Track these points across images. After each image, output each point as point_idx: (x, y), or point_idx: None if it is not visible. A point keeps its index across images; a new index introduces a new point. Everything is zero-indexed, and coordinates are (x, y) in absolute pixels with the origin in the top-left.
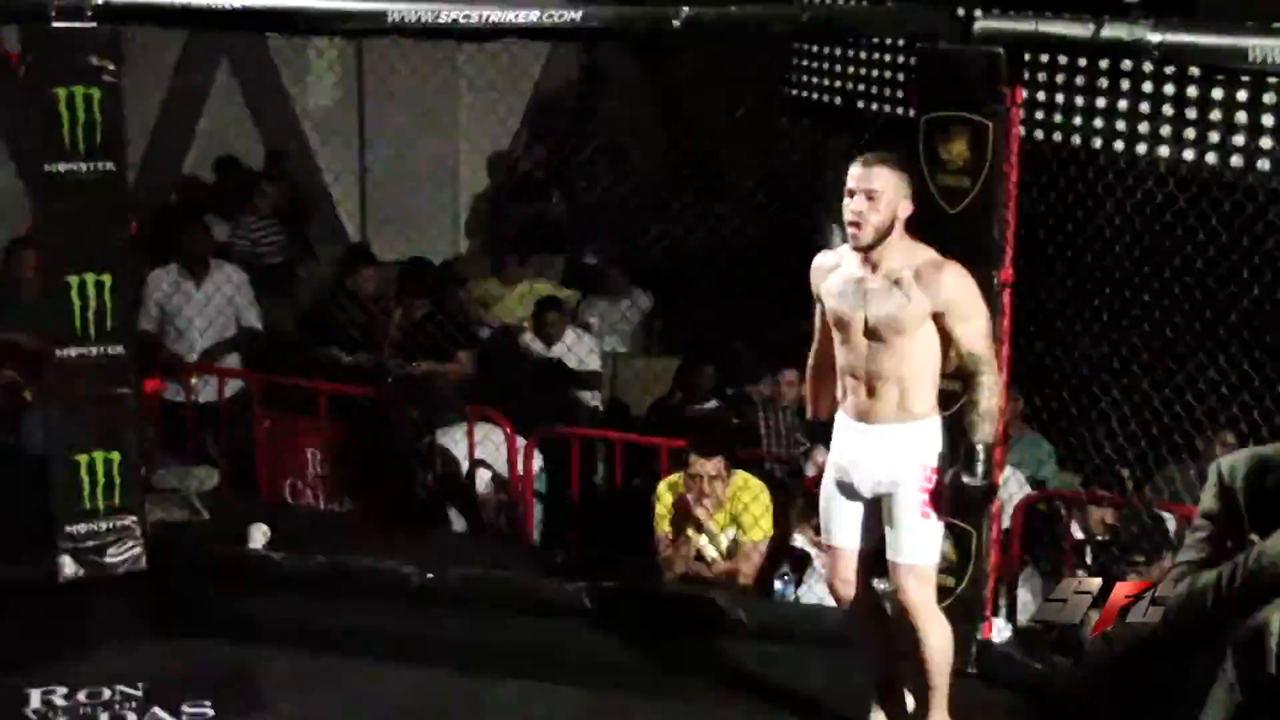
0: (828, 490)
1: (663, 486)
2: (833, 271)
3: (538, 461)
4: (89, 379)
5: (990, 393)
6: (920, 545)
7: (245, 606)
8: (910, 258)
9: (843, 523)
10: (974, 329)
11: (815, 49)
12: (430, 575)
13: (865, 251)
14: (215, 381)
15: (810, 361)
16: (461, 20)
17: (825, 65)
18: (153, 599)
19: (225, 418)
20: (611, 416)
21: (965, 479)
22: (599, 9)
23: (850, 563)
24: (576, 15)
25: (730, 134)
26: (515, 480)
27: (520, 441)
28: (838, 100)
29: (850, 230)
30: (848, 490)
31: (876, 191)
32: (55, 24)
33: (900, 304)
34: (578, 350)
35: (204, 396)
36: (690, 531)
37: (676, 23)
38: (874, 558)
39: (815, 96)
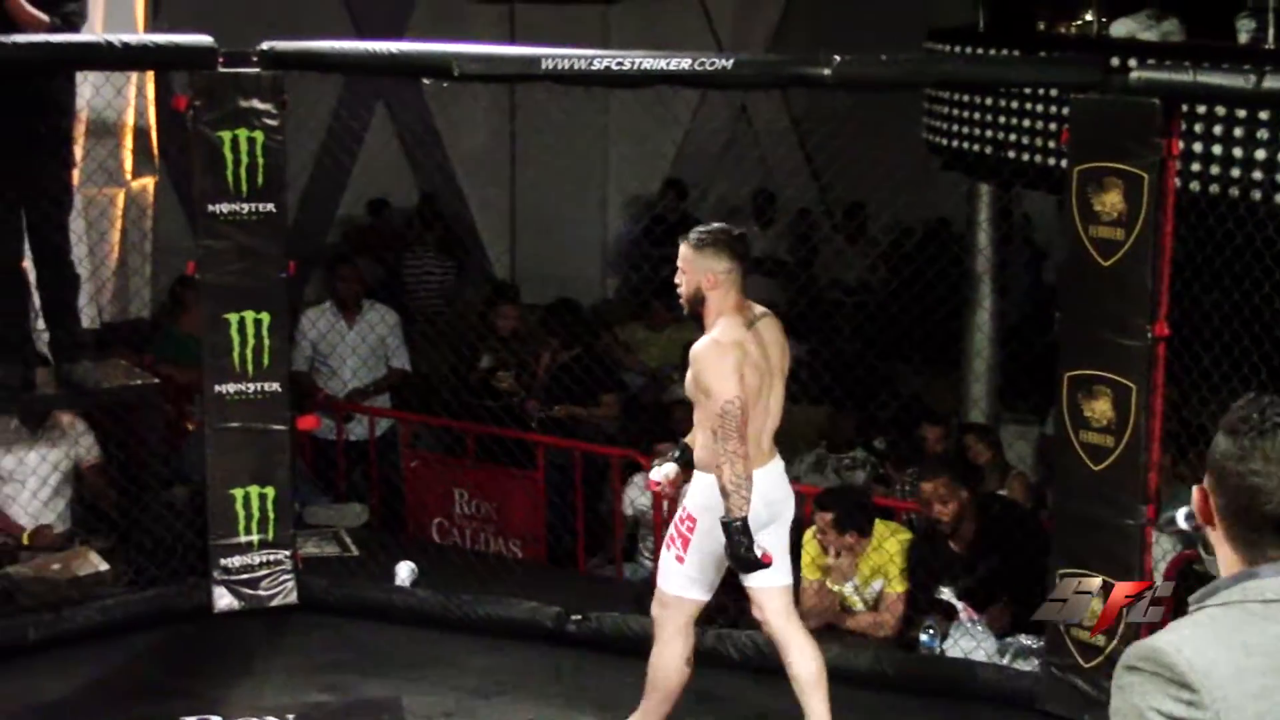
0: None
1: (808, 535)
2: None
3: None
4: (246, 415)
5: (727, 469)
6: (663, 571)
7: (391, 642)
8: (710, 325)
9: None
10: (708, 407)
11: (964, 97)
12: (575, 617)
13: (693, 319)
14: (366, 420)
15: None
16: (614, 67)
17: (975, 115)
18: (303, 632)
19: (374, 456)
20: None
21: (728, 551)
22: (750, 57)
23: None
24: (728, 63)
25: (878, 182)
26: (660, 526)
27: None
28: (987, 149)
29: None
30: None
31: (679, 267)
32: (221, 70)
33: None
34: None
35: (354, 435)
36: (832, 582)
37: (827, 71)
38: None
39: (964, 145)
